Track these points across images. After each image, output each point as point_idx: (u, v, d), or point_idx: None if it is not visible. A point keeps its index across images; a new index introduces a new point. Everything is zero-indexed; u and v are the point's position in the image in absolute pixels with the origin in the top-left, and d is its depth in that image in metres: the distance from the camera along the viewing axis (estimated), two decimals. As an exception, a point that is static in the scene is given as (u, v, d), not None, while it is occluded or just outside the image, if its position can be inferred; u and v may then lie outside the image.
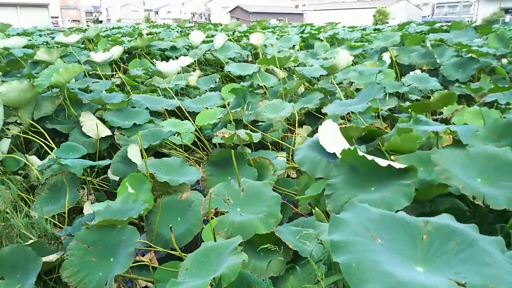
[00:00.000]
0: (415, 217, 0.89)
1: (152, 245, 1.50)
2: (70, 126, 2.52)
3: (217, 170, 1.99)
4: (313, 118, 2.76)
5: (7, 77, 3.12)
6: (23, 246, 1.41)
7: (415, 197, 1.32)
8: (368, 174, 1.30)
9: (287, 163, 2.23)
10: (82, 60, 3.82)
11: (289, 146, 2.41)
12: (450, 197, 1.35)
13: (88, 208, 1.86)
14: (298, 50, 4.62)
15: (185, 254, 1.09)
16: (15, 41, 3.90)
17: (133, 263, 1.42)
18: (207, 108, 2.73)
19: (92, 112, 2.76)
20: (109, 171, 2.03)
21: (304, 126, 2.69)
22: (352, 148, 1.34)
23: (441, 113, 2.53)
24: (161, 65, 2.92)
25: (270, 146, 2.47)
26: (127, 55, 4.31)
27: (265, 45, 4.43)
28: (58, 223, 1.83)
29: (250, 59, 4.42)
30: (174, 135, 2.24)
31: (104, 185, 2.19)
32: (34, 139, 2.41)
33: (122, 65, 4.15)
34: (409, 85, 2.90)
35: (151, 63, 4.16)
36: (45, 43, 5.00)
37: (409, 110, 2.15)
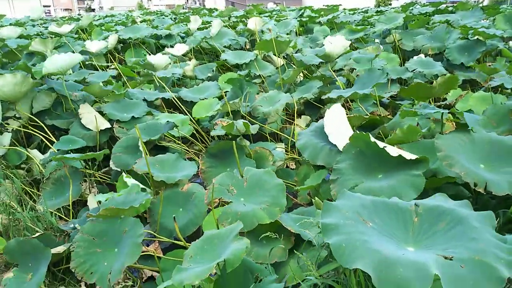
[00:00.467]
0: (406, 201, 0.90)
1: (157, 235, 1.53)
2: (69, 121, 2.51)
3: (216, 162, 1.99)
4: (312, 108, 2.72)
5: (3, 70, 3.07)
6: (29, 239, 1.45)
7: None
8: (376, 161, 1.29)
9: (286, 154, 2.22)
10: (77, 50, 3.74)
11: (288, 137, 2.39)
12: (455, 185, 1.34)
13: (92, 201, 1.89)
14: (297, 35, 4.48)
15: (189, 244, 1.11)
16: (9, 32, 3.81)
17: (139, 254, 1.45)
18: (204, 99, 2.69)
19: (90, 105, 2.73)
20: (111, 163, 2.03)
21: (303, 116, 2.66)
22: (364, 133, 1.31)
23: (445, 99, 2.47)
24: (152, 58, 2.87)
25: (268, 137, 2.45)
26: (121, 44, 4.21)
27: (262, 31, 4.30)
28: (63, 216, 1.87)
29: (247, 46, 4.30)
30: (173, 128, 2.22)
31: (106, 178, 2.21)
32: (34, 133, 2.40)
33: (117, 55, 4.07)
34: (413, 70, 2.82)
35: (147, 52, 4.06)
36: (40, 34, 4.88)
37: (411, 96, 2.09)
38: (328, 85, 2.80)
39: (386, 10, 6.22)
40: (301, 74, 3.24)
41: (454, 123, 1.70)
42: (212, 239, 1.06)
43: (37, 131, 2.40)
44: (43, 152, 2.40)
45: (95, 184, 2.13)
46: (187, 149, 2.48)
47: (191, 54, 3.91)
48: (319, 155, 1.51)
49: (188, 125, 2.46)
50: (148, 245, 1.63)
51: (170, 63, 3.30)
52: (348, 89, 2.23)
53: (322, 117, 1.70)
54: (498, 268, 0.65)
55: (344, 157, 1.33)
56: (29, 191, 2.07)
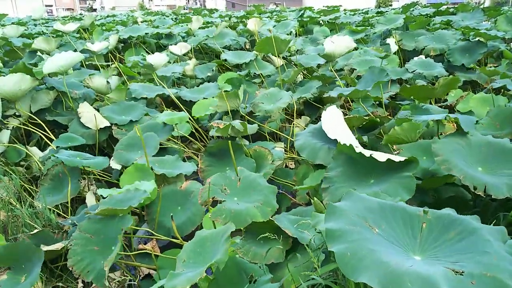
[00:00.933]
0: (415, 207, 0.87)
1: (154, 233, 1.52)
2: (69, 118, 2.52)
3: (215, 161, 1.99)
4: (312, 108, 2.72)
5: (6, 67, 3.08)
6: (19, 242, 1.44)
7: (417, 185, 1.30)
8: (367, 166, 1.28)
9: (285, 153, 2.21)
10: (79, 49, 3.75)
11: (287, 136, 2.38)
12: (454, 186, 1.33)
13: (90, 198, 1.89)
14: (296, 36, 4.48)
15: (186, 242, 1.10)
16: (11, 31, 3.83)
17: (136, 251, 1.46)
18: (204, 99, 2.69)
19: (90, 103, 2.74)
20: (111, 161, 2.04)
21: (302, 117, 2.65)
22: (352, 138, 1.30)
23: (446, 100, 2.46)
24: (151, 58, 2.87)
25: (268, 136, 2.45)
26: (122, 44, 4.22)
27: (261, 32, 4.30)
28: (61, 213, 1.87)
29: (247, 46, 4.30)
30: (171, 131, 2.23)
31: (105, 176, 2.21)
32: (34, 130, 2.41)
33: (117, 54, 4.08)
34: (413, 71, 2.81)
35: (147, 52, 4.07)
36: (41, 33, 4.91)
37: (411, 96, 2.09)
38: (327, 85, 2.79)
39: (387, 11, 6.22)
40: (301, 74, 3.24)
41: (454, 124, 1.69)
42: (204, 242, 1.06)
43: (36, 128, 2.40)
44: (42, 150, 2.41)
45: (94, 182, 2.13)
46: (186, 148, 2.48)
47: (191, 54, 3.92)
48: (318, 154, 1.50)
49: (187, 124, 2.46)
50: (146, 243, 1.63)
51: (170, 62, 3.31)
52: (350, 88, 2.23)
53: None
54: (510, 286, 0.61)
55: (334, 164, 1.32)
56: (28, 188, 2.07)
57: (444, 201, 1.32)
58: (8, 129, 2.37)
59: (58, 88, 2.58)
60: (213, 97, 2.58)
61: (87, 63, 3.60)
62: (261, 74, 3.19)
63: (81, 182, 2.00)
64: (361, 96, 2.13)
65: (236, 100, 2.37)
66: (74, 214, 1.88)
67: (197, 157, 2.32)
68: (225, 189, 1.42)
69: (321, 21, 5.00)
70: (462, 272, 0.65)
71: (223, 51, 3.72)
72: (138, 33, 4.12)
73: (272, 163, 1.90)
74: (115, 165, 2.03)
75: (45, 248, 1.43)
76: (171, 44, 4.09)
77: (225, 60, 3.41)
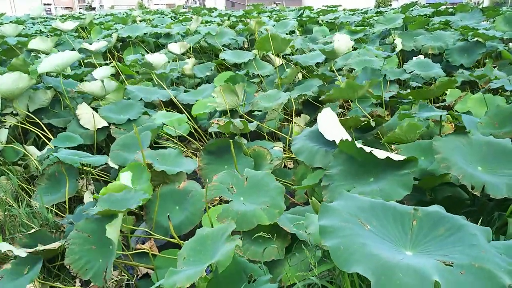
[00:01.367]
0: (405, 205, 0.90)
1: (152, 233, 1.52)
2: (66, 120, 2.52)
3: (214, 159, 1.98)
4: (311, 107, 2.72)
5: (3, 66, 3.07)
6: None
7: (415, 185, 1.30)
8: (367, 165, 1.29)
9: (284, 153, 2.21)
10: (77, 48, 3.74)
11: (286, 136, 2.38)
12: (451, 185, 1.34)
13: (88, 198, 1.88)
14: (298, 35, 4.47)
15: (184, 242, 1.10)
16: (10, 29, 3.81)
17: (133, 251, 1.45)
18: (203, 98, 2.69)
19: (88, 102, 2.73)
20: (108, 160, 2.03)
21: (301, 115, 2.65)
22: (350, 139, 1.31)
23: (444, 100, 2.47)
24: (150, 57, 2.86)
25: (266, 136, 2.45)
26: (121, 43, 4.21)
27: (261, 32, 4.30)
28: (59, 212, 1.87)
29: (246, 45, 4.30)
30: (171, 125, 2.22)
31: (103, 175, 2.20)
32: (31, 129, 2.40)
33: (116, 53, 4.06)
34: (411, 72, 2.81)
35: (146, 51, 4.06)
36: (38, 32, 4.88)
37: (409, 97, 2.09)
38: (325, 84, 2.79)
39: (386, 11, 6.23)
40: (300, 74, 3.23)
41: (453, 125, 1.69)
42: (205, 240, 1.06)
43: (34, 128, 2.39)
44: (40, 149, 2.39)
45: (92, 181, 2.12)
46: (185, 147, 2.47)
47: (190, 53, 3.91)
48: (315, 157, 1.50)
49: (185, 124, 2.45)
50: (143, 243, 1.62)
51: (169, 62, 3.30)
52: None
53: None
54: (499, 275, 0.64)
55: (334, 162, 1.33)
56: (26, 188, 2.07)
57: (441, 201, 1.32)
58: (5, 128, 2.36)
59: (56, 87, 2.57)
60: (212, 96, 2.57)
61: (85, 61, 3.58)
62: (260, 74, 3.18)
63: (79, 182, 2.00)
64: (357, 96, 2.13)
65: (235, 99, 2.37)
66: (72, 214, 1.87)
67: (196, 156, 2.32)
68: (232, 187, 1.41)
69: (320, 21, 5.00)
70: (452, 263, 0.67)
71: (223, 49, 3.72)
72: (137, 33, 4.11)
73: (271, 163, 1.90)
74: (113, 164, 2.02)
75: (42, 247, 1.43)
76: (170, 43, 4.09)
77: (224, 59, 3.40)
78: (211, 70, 3.43)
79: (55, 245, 1.46)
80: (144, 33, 4.20)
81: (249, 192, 1.40)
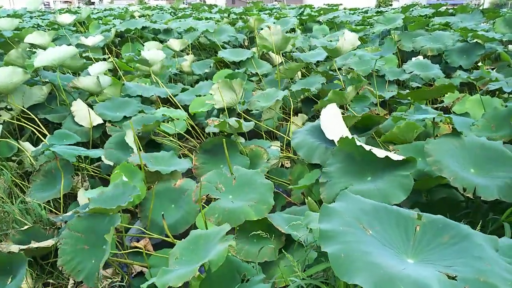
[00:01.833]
0: (409, 210, 0.88)
1: (147, 231, 1.51)
2: (62, 115, 2.48)
3: (210, 158, 1.97)
4: (310, 106, 2.70)
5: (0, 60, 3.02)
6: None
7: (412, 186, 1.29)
8: (365, 163, 1.28)
9: (281, 152, 2.20)
10: (74, 43, 3.69)
11: (284, 135, 2.37)
12: (447, 187, 1.34)
13: (82, 195, 1.86)
14: (300, 33, 4.44)
15: (178, 241, 1.09)
16: (6, 23, 3.75)
17: (128, 249, 1.44)
18: (202, 95, 2.67)
19: (85, 98, 2.70)
20: (103, 157, 2.02)
21: (299, 115, 2.64)
22: (350, 136, 1.30)
23: (442, 101, 2.46)
24: (147, 54, 2.83)
25: (264, 135, 2.44)
26: (119, 38, 4.17)
27: (261, 28, 4.28)
28: (53, 209, 1.85)
29: (246, 43, 4.27)
30: (167, 121, 2.20)
31: (98, 172, 2.18)
32: (26, 125, 2.37)
33: (114, 48, 4.02)
34: (410, 72, 2.81)
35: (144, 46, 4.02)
36: (36, 26, 4.82)
37: (408, 98, 2.09)
38: (325, 83, 2.78)
39: (386, 11, 6.21)
40: (299, 72, 3.22)
41: (450, 126, 1.69)
42: (198, 240, 1.05)
43: (29, 123, 2.37)
44: (35, 145, 2.37)
45: (87, 178, 2.10)
46: (182, 145, 2.45)
47: (189, 50, 3.88)
48: (314, 153, 1.49)
49: (183, 121, 2.44)
50: (138, 241, 1.61)
51: (166, 58, 3.27)
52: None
53: (319, 116, 1.68)
54: None
55: (333, 160, 1.33)
56: (20, 184, 2.04)
57: (436, 202, 1.32)
58: (0, 123, 2.33)
59: (53, 81, 2.54)
60: (210, 91, 2.55)
61: (83, 55, 3.54)
62: (258, 72, 3.16)
63: (74, 178, 1.98)
64: (346, 102, 2.13)
65: (233, 96, 2.35)
66: (67, 210, 1.86)
67: (193, 154, 2.31)
68: (220, 186, 1.40)
69: (320, 20, 4.97)
70: (455, 276, 0.65)
71: (222, 45, 3.68)
72: (135, 26, 4.07)
73: (268, 162, 1.89)
74: (107, 161, 2.00)
75: (35, 244, 1.42)
76: (169, 39, 4.05)
77: (223, 57, 3.38)
78: (210, 67, 3.40)
79: (48, 242, 1.45)
80: (143, 27, 4.15)
81: (238, 190, 1.39)
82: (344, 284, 0.84)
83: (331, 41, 3.75)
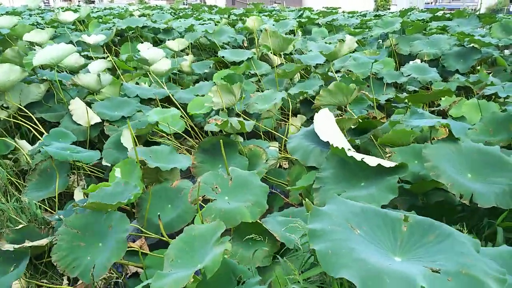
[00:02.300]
0: (396, 212, 0.90)
1: (144, 230, 1.50)
2: (59, 114, 2.47)
3: (209, 157, 1.97)
4: (308, 107, 2.71)
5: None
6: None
7: (407, 189, 1.30)
8: (359, 169, 1.29)
9: (279, 153, 2.21)
10: (74, 41, 3.68)
11: (282, 136, 2.38)
12: (443, 191, 1.35)
13: (78, 195, 1.85)
14: (300, 35, 4.47)
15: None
16: (5, 21, 3.73)
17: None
18: (201, 95, 2.67)
19: (83, 96, 2.68)
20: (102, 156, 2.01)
21: (298, 116, 2.65)
22: (344, 142, 1.31)
23: (439, 105, 2.48)
24: (146, 53, 2.82)
25: (262, 135, 2.44)
26: (118, 37, 4.16)
27: (261, 30, 4.29)
28: (49, 209, 1.84)
29: (245, 44, 4.28)
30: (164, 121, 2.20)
31: (95, 171, 2.17)
32: (23, 123, 2.35)
33: (113, 47, 4.02)
34: (408, 75, 2.83)
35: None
36: (35, 24, 4.80)
37: (406, 101, 2.10)
38: (323, 85, 2.79)
39: (384, 15, 6.26)
40: (298, 73, 3.23)
41: (447, 129, 1.71)
42: (193, 240, 1.04)
43: (26, 121, 2.35)
44: (32, 143, 2.35)
45: (83, 177, 2.09)
46: (180, 145, 2.45)
47: (189, 50, 3.88)
48: (310, 156, 1.50)
49: (181, 121, 2.43)
50: (134, 241, 1.60)
51: (167, 57, 3.26)
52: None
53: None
54: (486, 282, 0.64)
55: (327, 165, 1.34)
56: (15, 182, 2.03)
57: (432, 206, 1.32)
58: (-4, 121, 2.31)
59: (50, 79, 2.53)
60: (209, 94, 2.55)
61: (82, 54, 3.53)
62: (257, 73, 3.17)
63: (70, 177, 1.97)
64: (347, 103, 2.14)
65: (232, 98, 2.36)
66: (62, 210, 1.84)
67: (191, 154, 2.30)
68: (216, 187, 1.40)
69: (319, 23, 5.00)
70: (439, 270, 0.67)
71: (223, 45, 3.69)
72: (136, 24, 4.07)
73: (266, 163, 1.90)
74: (105, 162, 2.00)
75: (29, 243, 1.40)
76: (168, 39, 4.06)
77: (223, 56, 3.39)
78: (210, 67, 3.41)
79: (42, 241, 1.43)
80: (144, 26, 4.15)
81: (234, 191, 1.40)
82: (339, 286, 0.84)
83: (330, 43, 3.77)
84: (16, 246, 1.37)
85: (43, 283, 1.43)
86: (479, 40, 2.96)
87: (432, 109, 2.46)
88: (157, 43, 4.27)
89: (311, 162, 1.49)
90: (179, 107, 2.62)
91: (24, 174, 2.14)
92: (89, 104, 2.47)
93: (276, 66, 3.18)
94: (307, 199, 1.25)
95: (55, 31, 3.99)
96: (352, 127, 1.83)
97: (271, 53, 3.30)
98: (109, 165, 2.00)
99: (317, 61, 3.08)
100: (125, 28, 4.05)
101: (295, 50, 3.72)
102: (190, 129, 2.57)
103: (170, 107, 2.62)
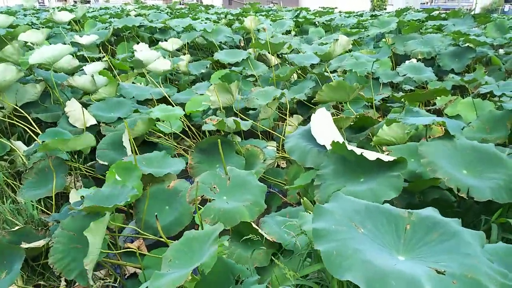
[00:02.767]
0: (400, 209, 0.89)
1: (141, 232, 1.50)
2: (55, 115, 2.45)
3: (206, 157, 1.97)
4: (305, 107, 2.72)
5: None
6: None
7: (404, 187, 1.31)
8: (358, 165, 1.29)
9: (277, 152, 2.21)
10: (69, 41, 3.65)
11: (280, 135, 2.38)
12: (439, 189, 1.36)
13: (74, 195, 1.84)
14: (294, 35, 4.48)
15: (172, 242, 1.08)
16: (0, 20, 3.69)
17: (121, 250, 1.43)
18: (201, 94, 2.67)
19: (79, 97, 2.67)
20: (97, 158, 2.00)
21: (294, 115, 2.66)
22: (341, 141, 1.31)
23: (435, 103, 2.51)
24: (141, 54, 2.81)
25: (260, 135, 2.44)
26: (115, 37, 4.14)
27: (258, 30, 4.30)
28: (45, 210, 1.82)
29: (242, 44, 4.28)
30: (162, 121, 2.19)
31: (92, 172, 2.16)
32: (19, 124, 2.33)
33: (110, 47, 3.99)
34: (404, 75, 2.85)
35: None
36: (30, 24, 4.75)
37: (402, 100, 2.12)
38: (321, 85, 2.80)
39: (381, 15, 6.29)
40: (295, 73, 3.24)
41: (442, 128, 1.72)
42: (191, 242, 1.04)
43: (22, 122, 2.33)
44: (27, 144, 2.33)
45: (80, 178, 2.08)
46: (177, 145, 2.44)
47: (186, 50, 3.87)
48: (307, 157, 1.50)
49: (178, 121, 2.43)
50: (132, 242, 1.60)
51: (169, 55, 3.25)
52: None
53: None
54: None
55: (327, 162, 1.34)
56: (11, 183, 2.01)
57: (429, 203, 1.33)
58: (-9, 122, 2.29)
59: (47, 79, 2.51)
60: (206, 92, 2.55)
61: (78, 54, 3.51)
62: (254, 74, 3.17)
63: (67, 177, 1.95)
64: (348, 99, 2.15)
65: (230, 97, 2.36)
66: (59, 211, 1.83)
67: (188, 154, 2.30)
68: (214, 187, 1.40)
69: (316, 22, 5.02)
70: (444, 271, 0.67)
71: (219, 45, 3.68)
72: (133, 23, 4.05)
73: (264, 162, 1.90)
74: (101, 161, 1.98)
75: (26, 245, 1.39)
76: (165, 39, 4.04)
77: (218, 59, 3.38)
78: (206, 67, 3.40)
79: (39, 243, 1.42)
80: (140, 25, 4.13)
81: (232, 191, 1.40)
82: (338, 284, 0.84)
83: (326, 43, 3.79)
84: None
85: (41, 284, 1.42)
86: (474, 39, 3.00)
87: (428, 108, 2.48)
88: (153, 42, 4.25)
89: (309, 163, 1.48)
90: (175, 105, 2.61)
91: (20, 175, 2.12)
92: (85, 105, 2.45)
93: (273, 66, 3.18)
94: (305, 198, 1.26)
95: (51, 31, 3.95)
96: (350, 124, 1.84)
97: (268, 53, 3.31)
98: (106, 164, 1.98)
99: (312, 61, 3.09)
100: (122, 27, 4.03)
101: (291, 51, 3.73)
102: (187, 129, 2.56)
103: (174, 107, 2.61)
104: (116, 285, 1.40)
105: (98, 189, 1.48)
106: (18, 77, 2.31)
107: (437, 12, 5.27)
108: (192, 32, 4.02)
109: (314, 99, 2.22)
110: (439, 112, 2.35)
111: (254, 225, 1.23)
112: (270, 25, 4.53)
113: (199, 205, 1.30)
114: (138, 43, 3.69)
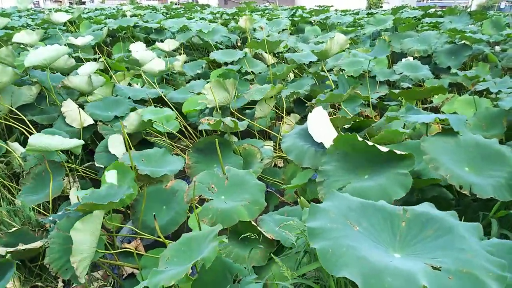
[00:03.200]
0: (395, 206, 0.89)
1: (139, 232, 1.50)
2: (51, 116, 2.44)
3: (203, 157, 1.97)
4: (302, 105, 2.72)
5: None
6: None
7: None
8: (361, 161, 1.28)
9: (274, 152, 2.21)
10: (64, 42, 3.63)
11: (277, 134, 2.38)
12: (438, 186, 1.36)
13: (73, 196, 1.84)
14: (289, 34, 4.48)
15: (171, 241, 1.08)
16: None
17: (119, 250, 1.42)
18: (197, 93, 2.66)
19: (74, 98, 2.65)
20: (95, 159, 1.99)
21: (292, 114, 2.66)
22: (350, 133, 1.30)
23: (431, 101, 2.51)
24: (137, 54, 2.79)
25: (257, 134, 2.44)
26: (110, 38, 4.12)
27: (254, 29, 4.29)
28: (42, 211, 1.81)
29: (238, 43, 4.28)
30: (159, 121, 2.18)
31: (89, 173, 2.15)
32: (15, 126, 2.32)
33: (105, 48, 3.97)
34: (400, 73, 2.85)
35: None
36: (25, 25, 4.72)
37: (400, 97, 2.12)
38: (317, 84, 2.80)
39: (377, 13, 6.30)
40: (292, 72, 3.24)
41: (440, 126, 1.73)
42: (190, 242, 1.04)
43: (18, 124, 2.32)
44: (24, 145, 2.32)
45: (77, 179, 2.07)
46: (174, 145, 2.44)
47: (182, 50, 3.86)
48: (305, 157, 1.49)
49: (175, 121, 2.42)
50: (129, 242, 1.59)
51: (165, 55, 3.24)
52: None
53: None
54: (486, 282, 0.64)
55: (329, 158, 1.32)
56: (8, 185, 2.00)
57: (427, 201, 1.33)
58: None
59: (42, 81, 2.49)
60: (202, 91, 2.54)
61: (74, 55, 3.49)
62: (252, 72, 3.17)
63: (63, 180, 1.94)
64: (340, 101, 2.15)
65: (226, 95, 2.35)
66: (56, 212, 1.82)
67: (185, 154, 2.29)
68: (212, 187, 1.40)
69: (312, 21, 5.01)
70: (440, 267, 0.67)
71: (216, 44, 3.67)
72: (128, 23, 4.03)
73: (261, 162, 1.90)
74: (98, 164, 1.98)
75: (23, 246, 1.39)
76: (160, 39, 4.03)
77: (214, 58, 3.37)
78: (202, 67, 3.39)
79: (36, 244, 1.42)
80: (135, 25, 4.11)
81: (230, 190, 1.39)
82: (335, 282, 0.84)
83: (322, 42, 3.79)
84: (10, 249, 1.35)
85: (38, 286, 1.41)
86: (470, 36, 3.00)
87: (425, 106, 2.49)
88: (149, 43, 4.24)
89: (306, 163, 1.48)
90: (172, 107, 2.60)
91: (16, 176, 2.12)
92: (81, 106, 2.44)
93: (270, 65, 3.18)
94: (302, 197, 1.26)
95: (45, 32, 3.93)
96: (346, 127, 1.83)
97: (265, 52, 3.30)
98: (103, 166, 1.98)
99: (310, 59, 3.09)
100: (117, 28, 4.01)
101: (287, 50, 3.72)
102: (184, 129, 2.55)
103: (163, 108, 2.61)
104: (114, 285, 1.40)
105: (94, 189, 1.47)
106: (14, 79, 2.29)
107: (433, 9, 5.28)
108: (188, 32, 4.00)
109: (312, 100, 2.22)
110: (436, 110, 2.35)
111: (253, 223, 1.23)
112: (266, 23, 4.52)
113: (197, 205, 1.30)
114: (133, 43, 3.67)
